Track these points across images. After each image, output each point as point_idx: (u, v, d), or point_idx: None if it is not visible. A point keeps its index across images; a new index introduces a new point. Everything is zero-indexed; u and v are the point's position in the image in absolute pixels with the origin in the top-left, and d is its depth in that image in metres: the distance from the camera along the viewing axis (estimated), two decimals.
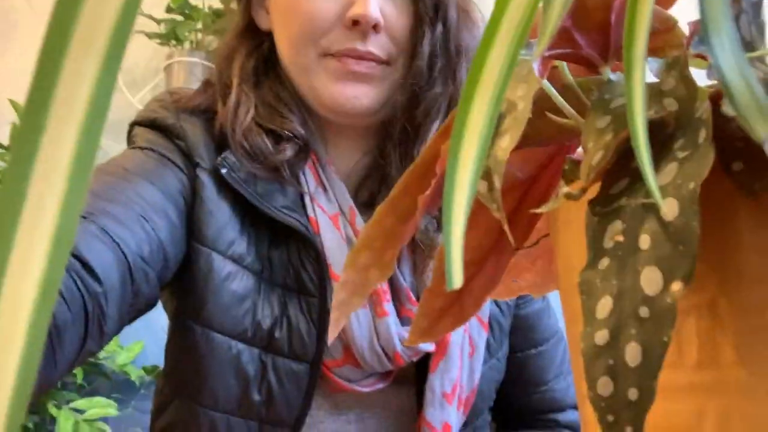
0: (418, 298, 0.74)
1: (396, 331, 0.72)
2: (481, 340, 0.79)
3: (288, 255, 0.71)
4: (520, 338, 0.86)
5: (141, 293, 0.62)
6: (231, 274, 0.69)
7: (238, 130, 0.70)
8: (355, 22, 0.67)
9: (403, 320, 0.74)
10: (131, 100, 1.94)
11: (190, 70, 1.85)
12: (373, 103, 0.71)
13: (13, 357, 0.12)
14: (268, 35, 0.75)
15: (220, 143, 0.73)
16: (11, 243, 0.11)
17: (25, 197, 0.11)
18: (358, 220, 0.75)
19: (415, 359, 0.75)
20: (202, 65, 1.86)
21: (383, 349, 0.71)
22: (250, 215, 0.72)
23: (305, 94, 0.74)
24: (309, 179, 0.74)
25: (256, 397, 0.69)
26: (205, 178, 0.70)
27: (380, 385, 0.75)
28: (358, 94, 0.70)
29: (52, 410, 1.63)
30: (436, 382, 0.74)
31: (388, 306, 0.72)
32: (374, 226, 0.32)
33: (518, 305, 0.86)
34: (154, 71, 2.00)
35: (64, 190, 0.11)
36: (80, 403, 1.69)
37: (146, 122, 0.74)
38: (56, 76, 0.11)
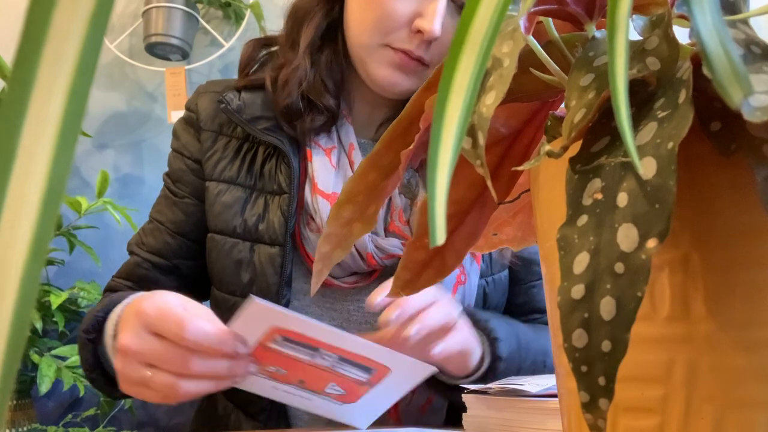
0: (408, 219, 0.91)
1: (370, 234, 0.85)
2: (473, 272, 0.89)
3: (275, 167, 0.90)
4: (524, 271, 0.96)
5: None
6: (222, 191, 0.91)
7: (285, 92, 0.89)
8: (419, 31, 0.82)
9: (388, 233, 0.88)
10: (109, 46, 1.89)
11: (168, 16, 1.80)
12: (406, 89, 0.88)
13: (6, 311, 0.12)
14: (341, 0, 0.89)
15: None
16: (2, 201, 0.11)
17: (15, 155, 0.11)
18: (356, 153, 0.92)
19: (387, 262, 0.87)
20: (180, 11, 1.81)
21: (357, 250, 0.85)
22: (248, 144, 0.92)
23: (357, 66, 0.91)
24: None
25: (245, 277, 0.88)
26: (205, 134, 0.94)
27: (360, 284, 0.89)
28: (398, 81, 0.87)
29: (34, 357, 1.63)
30: None
31: None
32: (357, 180, 0.33)
33: None
34: (132, 16, 1.95)
35: (53, 147, 0.11)
36: (62, 350, 1.69)
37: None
38: (45, 33, 0.11)
